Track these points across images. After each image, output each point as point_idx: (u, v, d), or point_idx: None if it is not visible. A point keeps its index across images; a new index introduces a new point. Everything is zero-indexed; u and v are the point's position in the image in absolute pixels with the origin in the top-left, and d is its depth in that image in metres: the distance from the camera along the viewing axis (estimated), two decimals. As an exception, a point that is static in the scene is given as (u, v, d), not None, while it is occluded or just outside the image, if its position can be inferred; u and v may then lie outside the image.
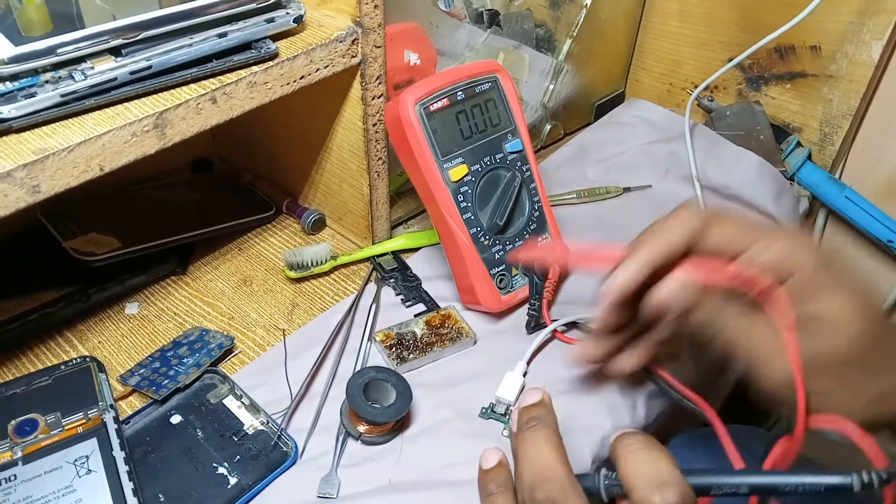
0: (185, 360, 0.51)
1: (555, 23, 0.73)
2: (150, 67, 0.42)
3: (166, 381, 0.50)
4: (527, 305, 0.55)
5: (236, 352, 0.54)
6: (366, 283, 0.60)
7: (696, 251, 0.38)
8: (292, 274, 0.60)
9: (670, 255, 0.38)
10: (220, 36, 0.44)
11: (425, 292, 0.59)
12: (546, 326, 0.54)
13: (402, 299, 0.58)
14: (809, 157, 0.75)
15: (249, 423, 0.48)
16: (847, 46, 0.68)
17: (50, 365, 0.51)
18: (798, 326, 0.37)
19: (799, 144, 0.75)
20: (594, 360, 0.46)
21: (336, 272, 0.62)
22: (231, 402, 0.49)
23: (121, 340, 0.55)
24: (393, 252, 0.62)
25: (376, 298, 0.58)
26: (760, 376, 0.38)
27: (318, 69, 0.49)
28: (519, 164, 0.55)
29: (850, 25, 0.67)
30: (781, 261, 0.37)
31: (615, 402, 0.49)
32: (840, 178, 0.76)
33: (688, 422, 0.71)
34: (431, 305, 0.58)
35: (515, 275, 0.55)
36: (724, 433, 0.40)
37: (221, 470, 0.45)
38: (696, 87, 0.80)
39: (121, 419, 0.47)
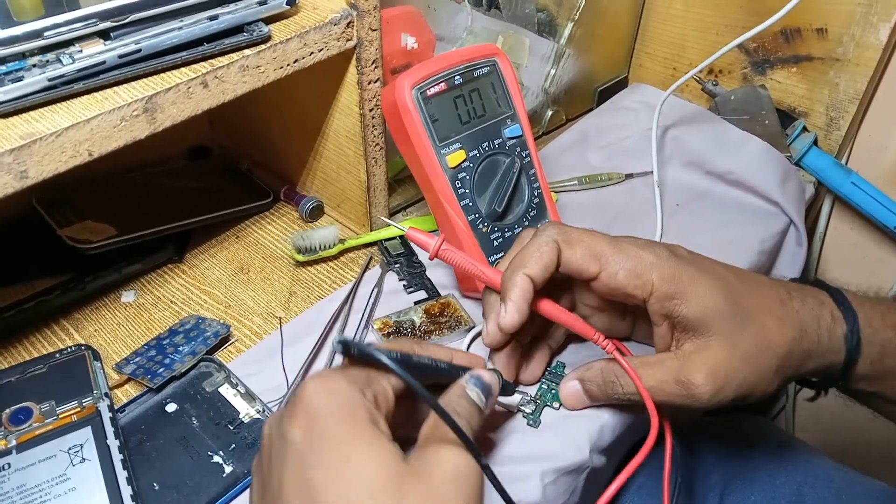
0: (180, 349, 0.51)
1: (556, 6, 0.72)
2: (139, 51, 0.41)
3: (162, 370, 0.49)
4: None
5: (233, 340, 0.54)
6: (363, 272, 0.59)
7: (558, 273, 0.44)
8: (300, 257, 0.59)
9: (537, 287, 0.43)
10: (211, 18, 0.43)
11: (428, 279, 0.58)
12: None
13: (404, 285, 0.58)
14: (815, 142, 0.74)
15: (245, 411, 0.47)
16: (854, 29, 0.67)
17: (45, 353, 0.51)
18: (683, 334, 0.43)
19: (805, 129, 0.74)
20: (507, 372, 0.48)
21: (335, 260, 0.61)
22: (227, 391, 0.49)
23: (117, 329, 0.55)
24: (401, 237, 0.62)
25: (379, 283, 0.58)
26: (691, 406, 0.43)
27: (312, 52, 0.48)
28: (518, 149, 0.54)
29: (857, 7, 0.66)
30: (638, 275, 0.42)
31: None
32: (846, 164, 0.75)
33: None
34: (432, 293, 0.57)
35: (514, 262, 0.54)
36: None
37: (217, 458, 0.45)
38: (701, 72, 0.78)
39: (116, 407, 0.46)
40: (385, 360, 0.34)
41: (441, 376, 0.39)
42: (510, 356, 0.47)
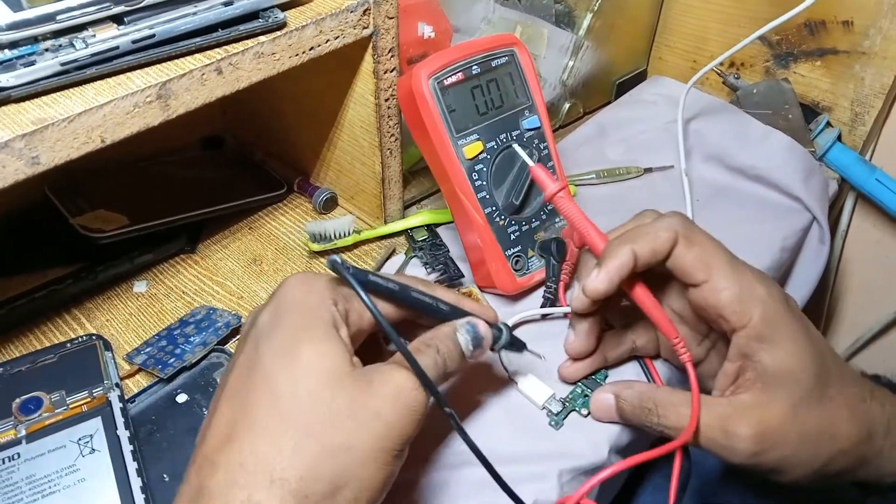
0: (191, 339, 0.50)
1: (575, -3, 0.71)
2: (153, 36, 0.40)
3: (172, 360, 0.49)
4: (543, 288, 0.54)
5: (245, 332, 0.53)
6: (381, 266, 0.58)
7: (664, 265, 0.42)
8: (315, 246, 0.58)
9: (638, 268, 0.41)
10: (226, 4, 0.43)
11: (451, 260, 0.57)
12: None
13: (427, 271, 0.57)
14: (839, 137, 0.72)
15: (256, 404, 0.47)
16: (881, 21, 0.65)
17: (56, 343, 0.50)
18: (749, 381, 0.40)
19: (829, 124, 0.72)
20: (579, 353, 0.47)
21: (351, 252, 0.60)
22: (238, 383, 0.48)
23: (128, 319, 0.55)
24: (428, 226, 0.61)
25: (401, 271, 0.57)
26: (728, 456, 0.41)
27: (327, 40, 0.47)
28: (536, 141, 0.53)
29: (885, -1, 0.64)
30: (741, 303, 0.39)
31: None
32: (871, 160, 0.74)
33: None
34: (455, 273, 0.56)
35: (532, 256, 0.53)
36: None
37: (227, 451, 0.44)
38: (722, 65, 0.77)
39: (126, 398, 0.46)
40: (347, 275, 0.35)
41: (440, 318, 0.39)
42: (590, 328, 0.46)
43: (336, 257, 0.35)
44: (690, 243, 0.41)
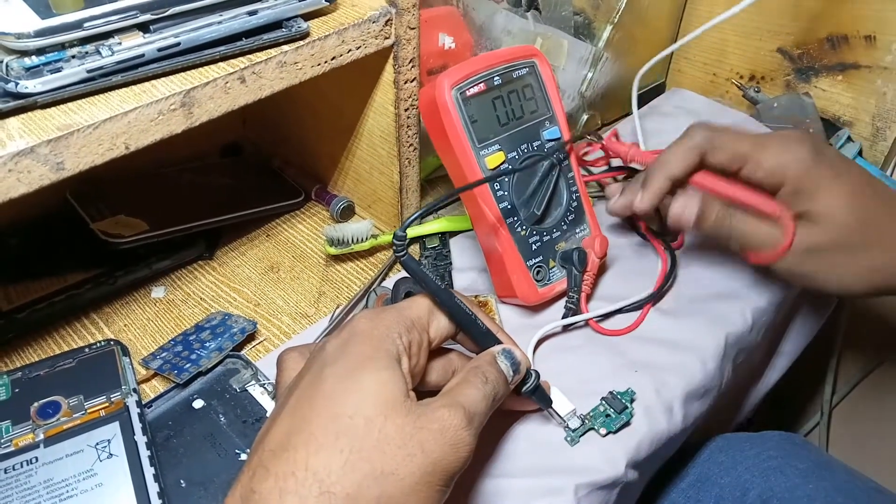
0: (207, 344, 0.51)
1: (593, 9, 0.71)
2: (178, 44, 0.41)
3: (188, 365, 0.49)
4: (564, 299, 0.53)
5: (261, 339, 0.53)
6: (388, 270, 0.58)
7: (705, 167, 0.51)
8: (332, 250, 0.58)
9: (681, 177, 0.51)
10: (251, 13, 0.43)
11: (449, 275, 0.57)
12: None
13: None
14: (860, 152, 0.72)
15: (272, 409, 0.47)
16: (905, 36, 0.65)
17: (75, 347, 0.51)
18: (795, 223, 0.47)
19: (850, 139, 0.72)
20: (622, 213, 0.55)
21: (366, 259, 0.60)
22: (254, 389, 0.48)
23: (146, 324, 0.55)
24: (440, 234, 0.61)
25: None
26: (771, 267, 0.49)
27: (349, 50, 0.48)
28: (556, 152, 0.53)
29: (909, 14, 0.64)
30: (773, 173, 0.48)
31: (650, 404, 0.47)
32: (892, 176, 0.73)
33: (722, 428, 0.68)
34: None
35: (553, 267, 0.53)
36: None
37: (244, 457, 0.44)
38: (742, 78, 0.77)
39: (143, 403, 0.46)
40: (417, 269, 0.38)
41: (475, 334, 0.40)
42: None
43: (402, 235, 0.38)
44: (715, 151, 0.49)
